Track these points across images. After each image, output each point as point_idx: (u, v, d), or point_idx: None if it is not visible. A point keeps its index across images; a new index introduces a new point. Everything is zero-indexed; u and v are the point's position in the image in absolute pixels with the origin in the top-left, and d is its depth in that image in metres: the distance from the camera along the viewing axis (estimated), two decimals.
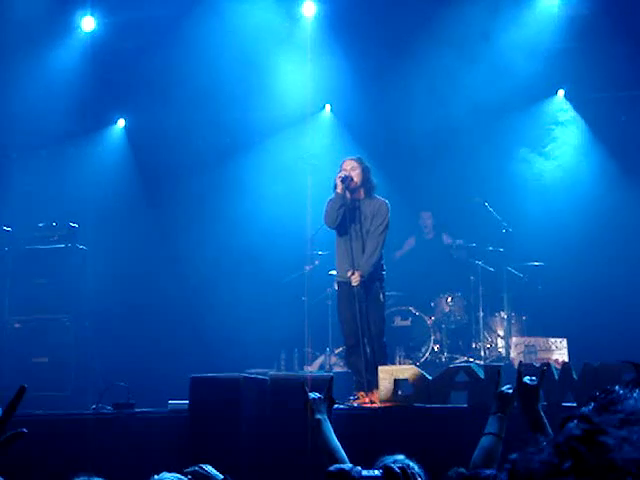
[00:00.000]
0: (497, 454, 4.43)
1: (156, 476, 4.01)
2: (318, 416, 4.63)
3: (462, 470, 3.86)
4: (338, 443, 4.55)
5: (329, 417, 4.77)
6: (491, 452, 4.42)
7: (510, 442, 4.67)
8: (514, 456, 1.09)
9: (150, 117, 12.98)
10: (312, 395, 4.74)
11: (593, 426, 1.08)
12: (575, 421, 1.10)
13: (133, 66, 12.40)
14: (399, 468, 3.03)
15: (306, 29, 12.68)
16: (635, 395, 1.32)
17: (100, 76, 12.46)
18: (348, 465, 3.71)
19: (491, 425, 4.55)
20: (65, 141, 12.65)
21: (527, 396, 4.43)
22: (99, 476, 4.20)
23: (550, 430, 3.93)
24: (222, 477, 4.30)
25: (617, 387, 1.36)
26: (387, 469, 3.00)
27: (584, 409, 1.38)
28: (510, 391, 4.64)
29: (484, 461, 4.32)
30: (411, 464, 3.95)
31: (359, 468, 3.28)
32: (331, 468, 3.13)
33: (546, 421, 4.29)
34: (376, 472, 3.03)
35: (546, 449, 1.07)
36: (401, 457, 4.00)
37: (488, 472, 3.71)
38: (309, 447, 4.71)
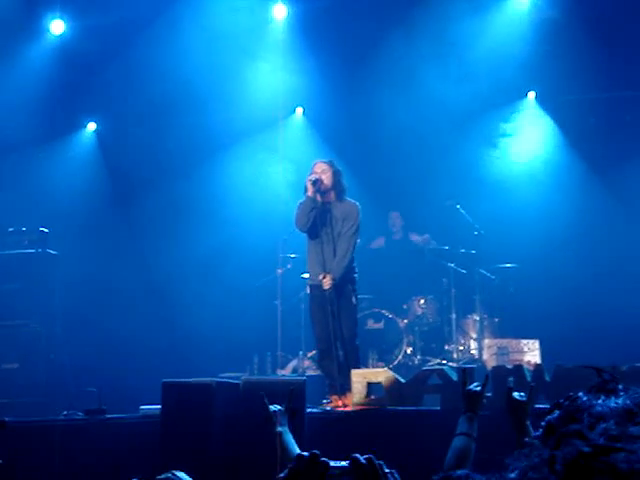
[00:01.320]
0: (470, 454, 4.42)
1: None
2: (279, 429, 4.65)
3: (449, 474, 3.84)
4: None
5: (301, 423, 4.78)
6: (464, 452, 4.40)
7: (486, 442, 4.68)
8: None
9: (121, 121, 12.93)
10: (272, 408, 4.76)
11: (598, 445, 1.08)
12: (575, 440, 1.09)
13: (103, 69, 12.33)
14: (365, 459, 3.02)
15: (277, 32, 12.67)
16: (600, 402, 1.32)
17: (70, 79, 12.39)
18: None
19: (462, 425, 4.53)
20: (35, 145, 12.55)
21: (516, 412, 4.43)
22: None
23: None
24: None
25: (581, 394, 1.36)
26: (354, 460, 2.99)
27: (549, 417, 1.38)
28: (478, 389, 4.64)
29: (457, 462, 4.30)
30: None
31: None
32: (303, 452, 3.12)
33: (531, 435, 4.27)
34: (343, 463, 3.02)
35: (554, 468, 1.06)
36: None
37: (459, 472, 3.71)
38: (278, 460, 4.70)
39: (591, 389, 1.36)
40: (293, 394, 5.00)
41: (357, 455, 2.99)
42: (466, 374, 4.87)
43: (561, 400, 1.37)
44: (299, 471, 2.96)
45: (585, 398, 1.35)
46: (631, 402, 1.30)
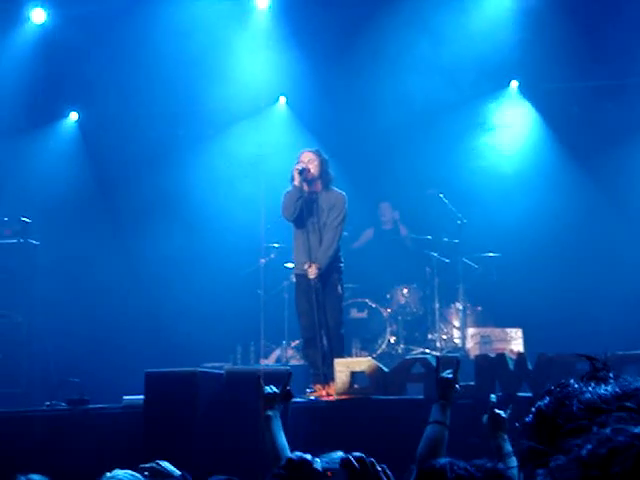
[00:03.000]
0: (443, 442, 4.41)
1: (108, 474, 3.96)
2: (269, 412, 4.57)
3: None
4: (285, 442, 4.49)
5: (285, 412, 4.73)
6: (436, 441, 4.39)
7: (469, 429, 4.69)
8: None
9: (103, 110, 12.86)
10: (267, 390, 4.68)
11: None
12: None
13: (85, 59, 12.25)
14: (357, 459, 3.01)
15: (260, 20, 12.62)
16: (590, 389, 1.31)
17: (51, 69, 12.32)
18: (309, 455, 3.67)
19: (435, 413, 4.52)
20: (16, 135, 12.47)
21: (497, 428, 4.43)
22: (50, 473, 4.15)
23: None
24: (179, 474, 4.25)
25: (572, 381, 1.35)
26: (346, 461, 2.97)
27: (540, 403, 1.37)
28: (450, 376, 4.63)
29: (430, 451, 4.29)
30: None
31: (318, 460, 3.25)
32: (292, 456, 3.10)
33: (507, 451, 4.23)
34: (337, 455, 3.01)
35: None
36: (340, 454, 3.95)
37: (443, 461, 3.70)
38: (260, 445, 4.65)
39: (582, 377, 1.35)
40: (290, 378, 4.95)
41: (349, 456, 2.98)
42: (440, 362, 4.86)
43: (552, 387, 1.37)
44: (286, 476, 2.96)
45: (576, 385, 1.34)
46: (620, 389, 1.29)
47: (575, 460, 1.04)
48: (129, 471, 4.00)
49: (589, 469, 1.02)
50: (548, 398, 1.36)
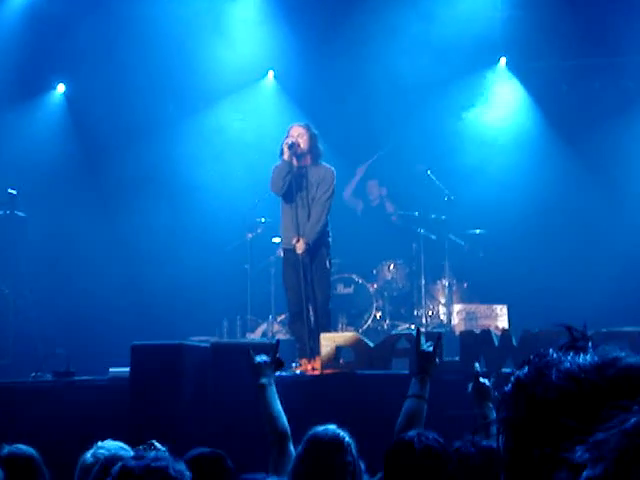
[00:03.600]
0: (422, 416, 4.43)
1: (100, 443, 3.99)
2: (263, 380, 4.59)
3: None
4: (281, 409, 4.53)
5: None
6: (415, 415, 4.42)
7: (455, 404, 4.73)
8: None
9: (90, 82, 12.75)
10: (258, 359, 4.69)
11: None
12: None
13: (73, 30, 12.15)
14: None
15: None
16: (569, 358, 1.33)
17: (39, 40, 12.22)
18: (260, 475, 3.72)
19: (414, 387, 4.56)
20: (2, 106, 12.39)
21: (482, 396, 4.48)
22: (36, 444, 4.17)
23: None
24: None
25: (551, 351, 1.37)
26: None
27: (518, 372, 1.39)
28: (430, 349, 4.64)
29: (408, 425, 4.32)
30: (341, 433, 3.95)
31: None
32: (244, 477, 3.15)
33: (491, 419, 4.28)
34: None
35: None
36: (332, 426, 4.00)
37: (411, 433, 3.75)
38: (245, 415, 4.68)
39: (562, 346, 1.37)
40: (278, 345, 4.97)
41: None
42: (420, 334, 4.87)
43: (531, 356, 1.39)
44: None
45: (555, 355, 1.36)
46: (599, 359, 1.31)
47: (619, 433, 1.05)
48: (120, 443, 4.03)
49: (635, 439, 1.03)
50: (527, 368, 1.38)
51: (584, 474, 1.06)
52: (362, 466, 3.93)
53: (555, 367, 1.32)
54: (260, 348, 5.07)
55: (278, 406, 4.52)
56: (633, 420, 1.08)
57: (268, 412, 4.49)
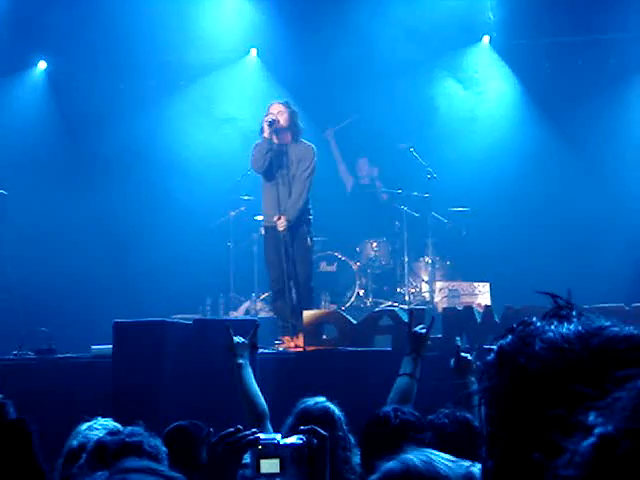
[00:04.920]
0: (412, 394, 4.53)
1: (100, 419, 4.00)
2: (240, 360, 4.64)
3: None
4: (257, 389, 4.58)
5: (251, 362, 4.78)
6: (406, 393, 4.51)
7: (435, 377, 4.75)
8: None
9: (72, 59, 12.66)
10: (236, 339, 4.74)
11: None
12: None
13: (54, 7, 12.03)
14: (316, 436, 3.07)
15: None
16: (552, 327, 1.32)
17: (19, 17, 12.11)
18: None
19: (406, 366, 4.65)
20: None
21: (462, 371, 4.52)
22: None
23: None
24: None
25: (535, 319, 1.36)
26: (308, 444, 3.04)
27: (502, 341, 1.38)
28: (423, 331, 4.73)
29: (400, 401, 4.39)
30: (331, 407, 3.99)
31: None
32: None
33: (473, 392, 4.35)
34: (292, 440, 3.04)
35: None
36: (322, 399, 4.04)
37: (386, 408, 3.79)
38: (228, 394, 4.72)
39: (545, 315, 1.36)
40: (257, 328, 5.03)
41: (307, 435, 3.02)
42: (413, 316, 4.96)
43: (514, 325, 1.38)
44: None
45: (539, 324, 1.35)
46: (582, 328, 1.31)
47: (631, 392, 1.05)
48: (109, 420, 4.03)
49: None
50: (510, 337, 1.37)
51: (596, 431, 1.06)
52: (352, 440, 3.97)
53: (538, 337, 1.32)
54: (242, 325, 5.07)
55: (254, 385, 4.57)
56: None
57: (245, 392, 4.53)
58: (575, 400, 1.16)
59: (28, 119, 12.52)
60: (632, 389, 1.07)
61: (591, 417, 1.08)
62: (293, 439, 3.01)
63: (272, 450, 2.93)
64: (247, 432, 2.97)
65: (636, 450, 1.02)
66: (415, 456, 1.72)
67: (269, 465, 2.91)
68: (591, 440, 1.06)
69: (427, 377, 4.83)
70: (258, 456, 2.92)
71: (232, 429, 2.98)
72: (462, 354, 4.59)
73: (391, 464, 1.72)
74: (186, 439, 4.22)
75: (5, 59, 12.35)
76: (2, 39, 12.05)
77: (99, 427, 3.93)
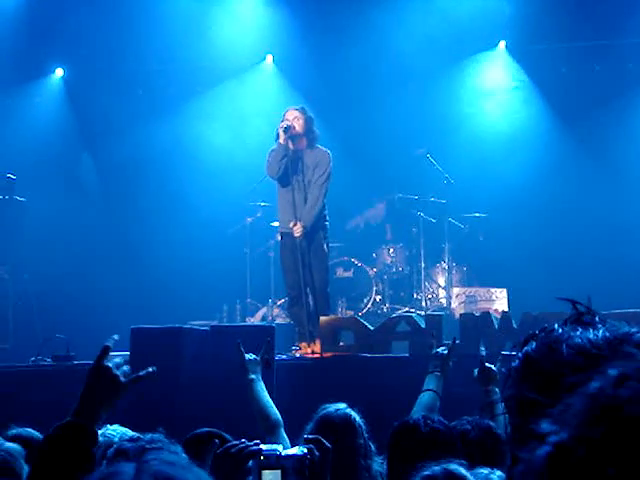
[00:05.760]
0: (435, 409, 4.61)
1: (109, 426, 4.00)
2: (252, 376, 4.69)
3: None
4: (270, 400, 4.65)
5: (270, 374, 4.84)
6: (430, 407, 4.61)
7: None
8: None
9: (89, 67, 12.72)
10: (247, 357, 4.80)
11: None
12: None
13: (72, 15, 12.09)
14: (317, 446, 3.11)
15: None
16: (578, 333, 1.31)
17: (37, 24, 12.17)
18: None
19: (429, 383, 4.79)
20: (1, 91, 12.34)
21: (487, 381, 4.60)
22: (35, 429, 4.16)
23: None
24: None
25: (556, 325, 1.34)
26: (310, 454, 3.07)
27: (527, 348, 1.37)
28: (445, 352, 4.86)
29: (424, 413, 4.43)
30: (352, 414, 3.98)
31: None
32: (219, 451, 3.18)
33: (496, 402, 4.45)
34: (294, 451, 3.07)
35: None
36: (343, 406, 4.04)
37: (416, 416, 3.79)
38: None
39: (566, 321, 1.34)
40: (269, 345, 5.08)
41: (309, 446, 3.05)
42: (434, 337, 5.15)
43: (535, 331, 1.36)
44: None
45: (561, 330, 1.34)
46: (610, 335, 1.29)
47: (582, 398, 1.04)
48: (121, 427, 4.04)
49: (598, 409, 1.02)
50: (535, 343, 1.35)
51: (550, 440, 1.04)
52: (372, 447, 3.96)
53: (565, 342, 1.30)
54: (258, 332, 5.07)
55: (266, 399, 4.63)
56: (595, 384, 1.05)
57: (258, 405, 4.59)
58: None
59: (45, 126, 12.58)
60: (583, 395, 1.06)
61: (544, 425, 1.07)
62: (295, 450, 3.06)
63: (274, 461, 2.98)
64: (250, 443, 3.02)
65: (590, 457, 1.01)
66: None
67: (271, 476, 2.96)
68: (545, 449, 1.05)
69: (447, 383, 4.88)
70: (260, 467, 2.97)
71: (236, 441, 3.04)
72: (486, 365, 4.62)
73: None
74: (203, 448, 4.22)
75: (23, 66, 12.42)
76: (20, 47, 12.10)
77: (114, 433, 3.94)
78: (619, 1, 11.83)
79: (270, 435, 4.45)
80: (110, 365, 2.61)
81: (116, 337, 2.67)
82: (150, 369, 2.68)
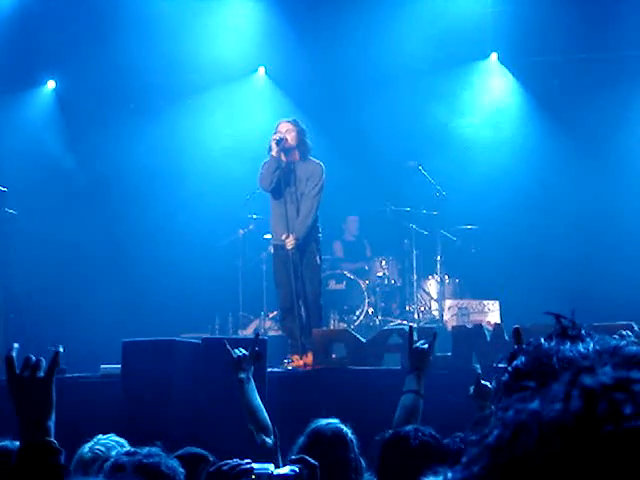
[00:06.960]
0: (418, 411, 4.49)
1: (101, 435, 3.99)
2: (242, 375, 4.64)
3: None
4: (260, 403, 4.58)
5: (261, 381, 4.78)
6: (412, 410, 4.47)
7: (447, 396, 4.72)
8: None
9: (81, 79, 12.70)
10: (236, 352, 4.73)
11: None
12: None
13: (63, 26, 12.09)
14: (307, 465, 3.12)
15: None
16: (568, 347, 1.31)
17: (28, 36, 12.16)
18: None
19: (409, 383, 4.58)
20: None
21: (483, 397, 4.49)
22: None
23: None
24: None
25: (542, 340, 1.34)
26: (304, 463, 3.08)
27: (516, 362, 1.36)
28: (425, 346, 4.66)
29: (406, 419, 4.36)
30: (344, 428, 3.97)
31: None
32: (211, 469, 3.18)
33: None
34: (286, 470, 3.08)
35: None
36: (335, 420, 4.02)
37: (407, 428, 3.75)
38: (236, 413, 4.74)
39: (551, 335, 1.34)
40: (258, 338, 5.04)
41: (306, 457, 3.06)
42: (412, 332, 4.90)
43: (523, 346, 1.36)
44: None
45: (551, 344, 1.33)
46: (600, 347, 1.29)
47: (485, 447, 0.95)
48: (112, 435, 4.03)
49: (497, 455, 0.93)
50: (524, 357, 1.35)
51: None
52: (363, 463, 3.94)
53: (555, 356, 1.30)
54: (249, 344, 5.05)
55: (257, 400, 4.59)
56: (495, 432, 0.95)
57: (248, 406, 4.54)
58: None
59: (37, 139, 12.55)
60: (484, 438, 0.96)
61: (464, 458, 0.98)
62: (286, 469, 3.06)
63: None
64: (241, 462, 3.02)
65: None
66: None
67: None
68: None
69: (438, 396, 4.80)
70: None
71: (228, 460, 3.05)
72: (482, 382, 4.54)
73: None
74: (196, 466, 4.20)
75: (14, 78, 12.39)
76: (11, 58, 12.08)
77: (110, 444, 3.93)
78: (613, 14, 11.86)
79: (258, 440, 4.42)
80: (24, 374, 2.61)
81: (16, 345, 2.64)
82: (54, 348, 2.66)
